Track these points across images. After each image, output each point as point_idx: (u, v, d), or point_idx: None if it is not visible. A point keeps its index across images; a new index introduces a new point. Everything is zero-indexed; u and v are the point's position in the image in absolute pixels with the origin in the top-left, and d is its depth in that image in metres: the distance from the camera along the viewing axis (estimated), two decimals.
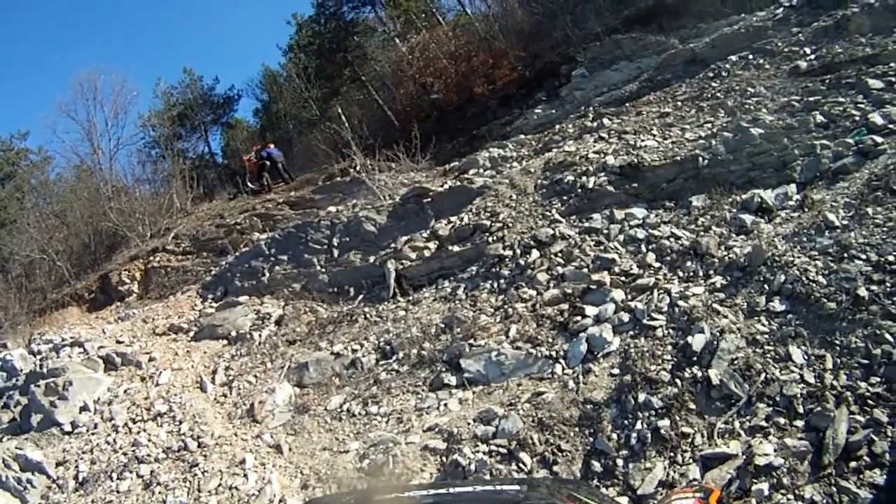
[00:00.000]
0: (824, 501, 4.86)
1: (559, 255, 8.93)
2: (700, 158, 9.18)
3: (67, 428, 9.16)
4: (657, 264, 8.11)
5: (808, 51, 11.20)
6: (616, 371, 6.82)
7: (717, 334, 6.43)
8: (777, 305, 6.55)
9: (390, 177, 14.36)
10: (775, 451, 5.29)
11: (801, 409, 5.54)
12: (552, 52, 18.03)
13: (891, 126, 8.35)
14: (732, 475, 5.31)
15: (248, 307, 11.81)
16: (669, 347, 6.69)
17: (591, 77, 15.79)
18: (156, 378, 10.00)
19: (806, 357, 5.95)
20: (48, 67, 70.05)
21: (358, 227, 11.99)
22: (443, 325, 8.86)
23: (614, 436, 6.16)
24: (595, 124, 12.66)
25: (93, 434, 8.99)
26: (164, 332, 11.95)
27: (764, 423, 5.60)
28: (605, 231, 9.05)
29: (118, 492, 7.83)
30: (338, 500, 6.37)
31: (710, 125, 10.29)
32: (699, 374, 6.19)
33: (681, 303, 7.09)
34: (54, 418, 9.24)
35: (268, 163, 18.90)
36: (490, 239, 9.93)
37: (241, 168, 22.04)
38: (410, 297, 10.17)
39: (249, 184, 19.37)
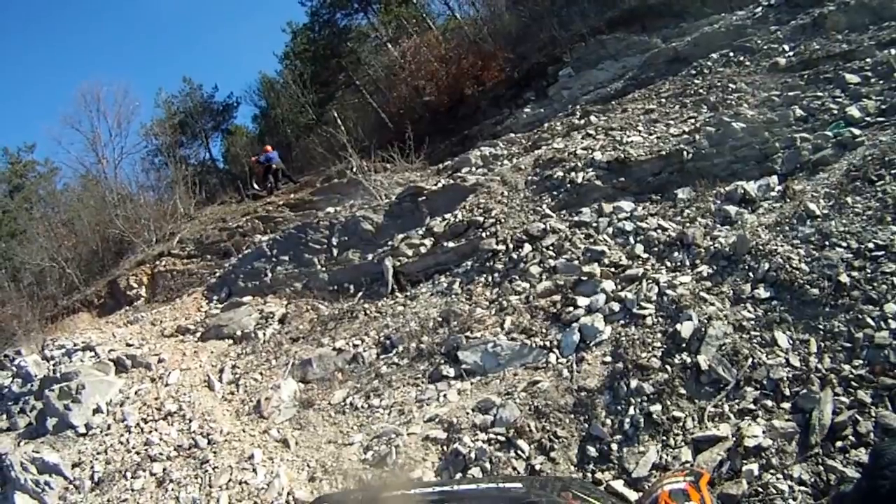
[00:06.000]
0: (812, 480, 4.97)
1: (551, 248, 9.06)
2: (684, 152, 9.39)
3: (82, 430, 9.24)
4: (645, 255, 8.27)
5: (786, 48, 11.49)
6: (608, 359, 6.91)
7: (705, 321, 6.54)
8: (762, 292, 6.69)
9: (386, 177, 14.53)
10: (764, 432, 5.41)
11: (787, 392, 5.67)
12: (539, 54, 18.30)
13: (868, 119, 8.59)
14: (723, 457, 5.42)
15: (251, 307, 11.92)
16: (659, 335, 6.81)
17: (578, 77, 16.06)
18: (165, 378, 10.10)
19: (791, 342, 6.10)
20: (52, 81, 70.52)
21: (356, 227, 12.12)
22: (440, 319, 8.96)
23: (608, 421, 6.23)
24: (582, 122, 12.87)
25: (106, 435, 9.08)
26: (172, 333, 12.06)
27: (752, 406, 5.72)
28: (595, 224, 9.21)
29: (133, 490, 7.92)
30: (346, 497, 6.35)
31: (693, 120, 10.48)
32: (688, 359, 6.31)
33: (669, 292, 7.23)
34: (69, 421, 9.32)
35: (273, 166, 19.16)
36: (483, 234, 10.05)
37: (246, 172, 22.24)
38: (408, 293, 10.28)
39: (255, 185, 19.57)
